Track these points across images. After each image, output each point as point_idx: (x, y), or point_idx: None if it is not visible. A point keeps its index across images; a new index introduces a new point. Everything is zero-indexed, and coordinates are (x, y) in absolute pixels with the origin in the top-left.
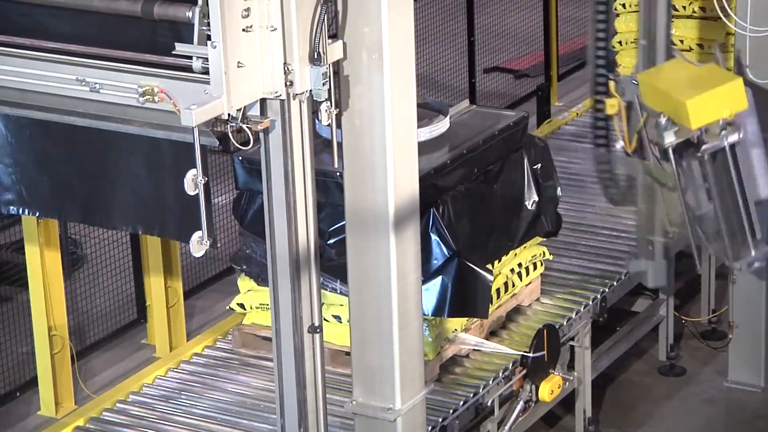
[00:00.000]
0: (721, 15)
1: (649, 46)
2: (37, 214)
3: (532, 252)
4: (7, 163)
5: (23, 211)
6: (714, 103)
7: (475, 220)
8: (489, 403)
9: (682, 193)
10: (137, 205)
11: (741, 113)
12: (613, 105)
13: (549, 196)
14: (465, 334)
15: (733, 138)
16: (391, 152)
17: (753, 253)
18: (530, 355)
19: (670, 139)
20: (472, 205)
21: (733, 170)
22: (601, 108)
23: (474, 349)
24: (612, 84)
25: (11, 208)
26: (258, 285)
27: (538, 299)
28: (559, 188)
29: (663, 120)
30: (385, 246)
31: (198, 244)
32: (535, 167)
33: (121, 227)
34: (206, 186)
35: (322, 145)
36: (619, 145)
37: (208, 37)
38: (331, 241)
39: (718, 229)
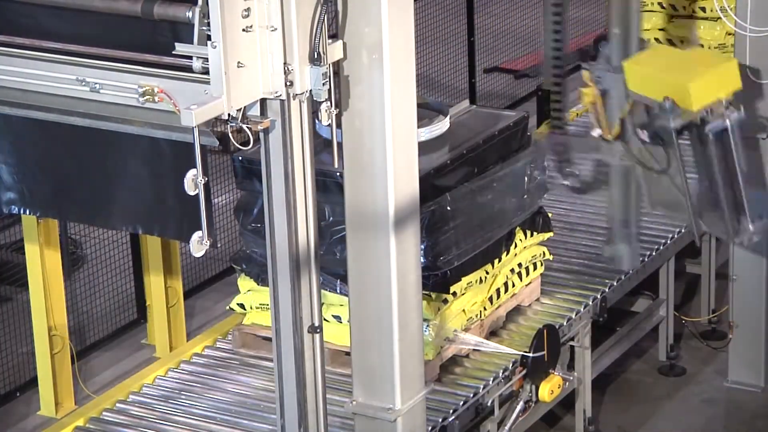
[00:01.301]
0: (721, 15)
1: (623, 34)
2: (38, 214)
3: (532, 252)
4: (9, 162)
5: (24, 211)
6: (713, 84)
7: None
8: (489, 403)
9: (682, 174)
10: (138, 205)
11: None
12: (588, 94)
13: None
14: (465, 334)
15: (736, 117)
16: (391, 152)
17: (751, 227)
18: (530, 355)
19: (676, 122)
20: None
21: (734, 149)
22: (557, 94)
23: (474, 349)
24: (585, 73)
25: (13, 207)
26: (258, 285)
27: (538, 299)
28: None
29: (667, 104)
30: (385, 246)
31: (198, 244)
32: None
33: (121, 227)
34: (206, 186)
35: (322, 145)
36: (596, 132)
37: (208, 37)
38: None
39: (718, 207)
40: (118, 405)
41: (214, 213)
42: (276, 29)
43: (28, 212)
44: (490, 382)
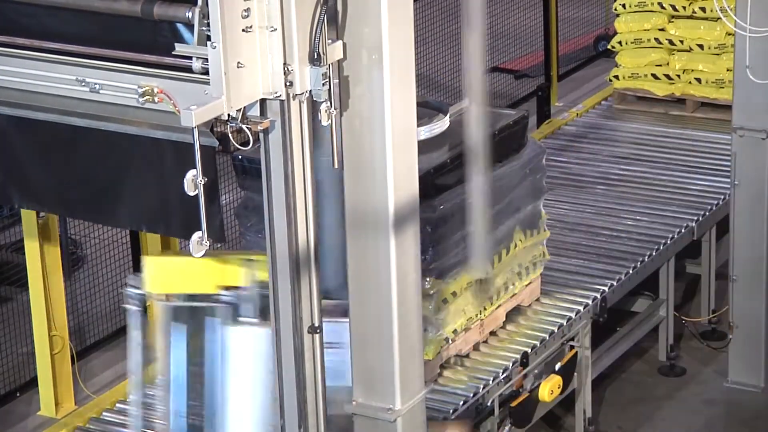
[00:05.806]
0: (721, 15)
1: None
2: (44, 210)
3: (531, 252)
4: (12, 159)
5: (28, 206)
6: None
7: None
8: (489, 403)
9: None
10: (143, 203)
11: None
12: None
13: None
14: (465, 334)
15: None
16: (391, 152)
17: None
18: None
19: None
20: None
21: None
22: None
23: (474, 349)
24: None
25: (15, 204)
26: None
27: (538, 299)
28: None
29: None
30: (385, 246)
31: (198, 245)
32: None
33: (126, 225)
34: (213, 185)
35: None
36: None
37: (208, 38)
38: None
39: None
40: (118, 405)
41: (222, 212)
42: (276, 29)
43: (31, 207)
44: (490, 382)
